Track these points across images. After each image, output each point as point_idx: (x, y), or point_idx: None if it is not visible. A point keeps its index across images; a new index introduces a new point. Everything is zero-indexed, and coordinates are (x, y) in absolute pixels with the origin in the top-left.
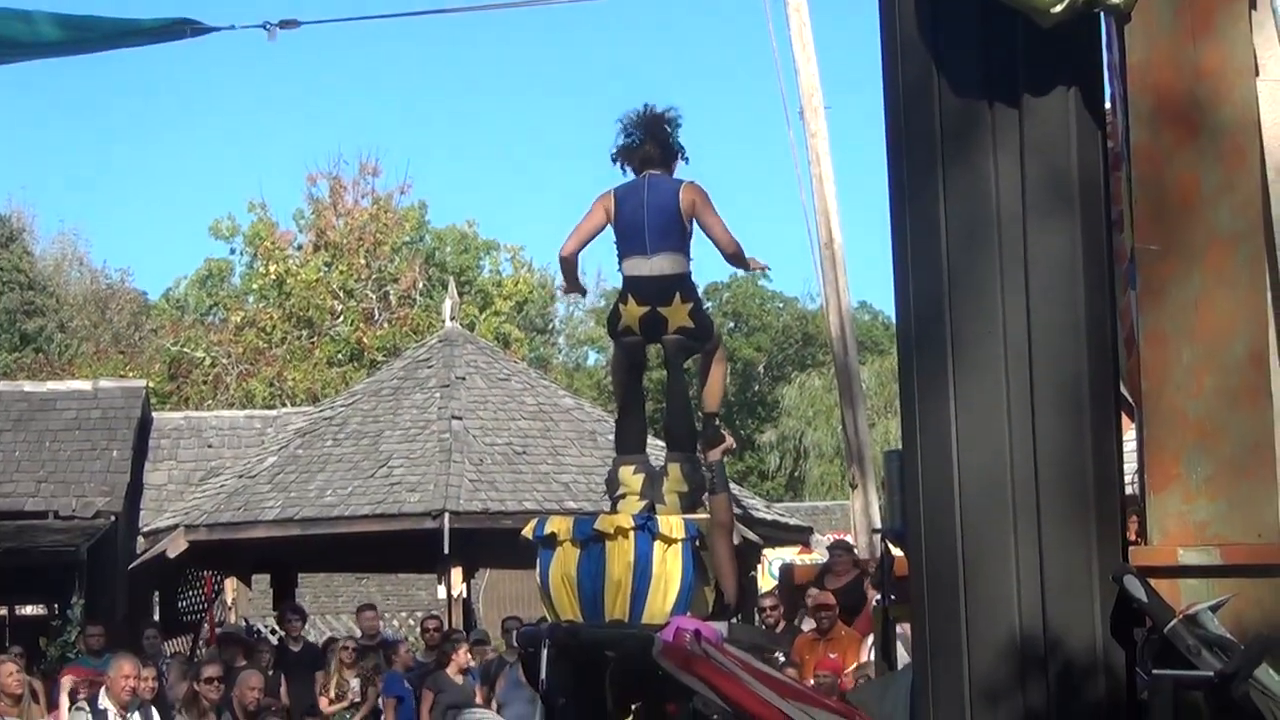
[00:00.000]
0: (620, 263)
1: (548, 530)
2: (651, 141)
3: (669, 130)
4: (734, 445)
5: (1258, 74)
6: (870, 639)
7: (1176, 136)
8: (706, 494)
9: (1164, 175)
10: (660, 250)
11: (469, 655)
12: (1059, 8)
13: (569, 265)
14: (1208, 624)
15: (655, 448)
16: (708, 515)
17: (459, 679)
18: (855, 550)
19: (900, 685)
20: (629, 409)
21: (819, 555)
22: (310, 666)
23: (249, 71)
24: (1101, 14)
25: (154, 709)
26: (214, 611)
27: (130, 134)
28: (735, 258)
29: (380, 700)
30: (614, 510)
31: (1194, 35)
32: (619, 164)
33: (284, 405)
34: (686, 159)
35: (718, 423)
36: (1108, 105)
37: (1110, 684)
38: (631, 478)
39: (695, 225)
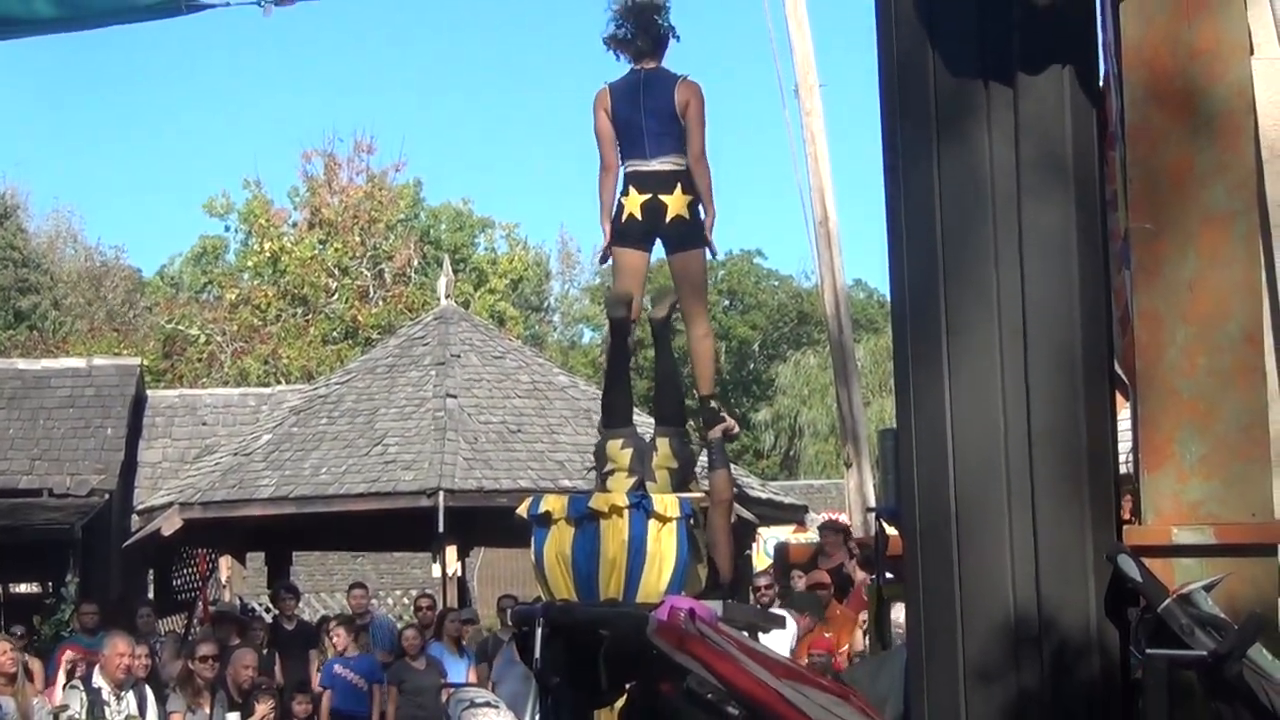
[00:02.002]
0: (623, 161)
1: (542, 508)
2: (643, 34)
3: (659, 19)
4: (735, 427)
5: (1252, 52)
6: (864, 618)
7: (1171, 115)
8: (706, 470)
9: (1158, 154)
10: (659, 154)
11: (418, 637)
12: None
13: (611, 182)
14: (1201, 603)
15: (644, 426)
16: (700, 493)
17: (419, 664)
18: (849, 528)
19: (894, 664)
20: (615, 383)
21: (814, 534)
22: (304, 645)
23: (244, 48)
24: None
25: (148, 687)
26: (208, 590)
27: (125, 110)
28: (697, 161)
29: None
30: (603, 487)
31: (1189, 13)
32: (611, 51)
33: (279, 383)
34: (678, 37)
35: (714, 404)
36: (1102, 84)
37: (1104, 663)
38: (619, 453)
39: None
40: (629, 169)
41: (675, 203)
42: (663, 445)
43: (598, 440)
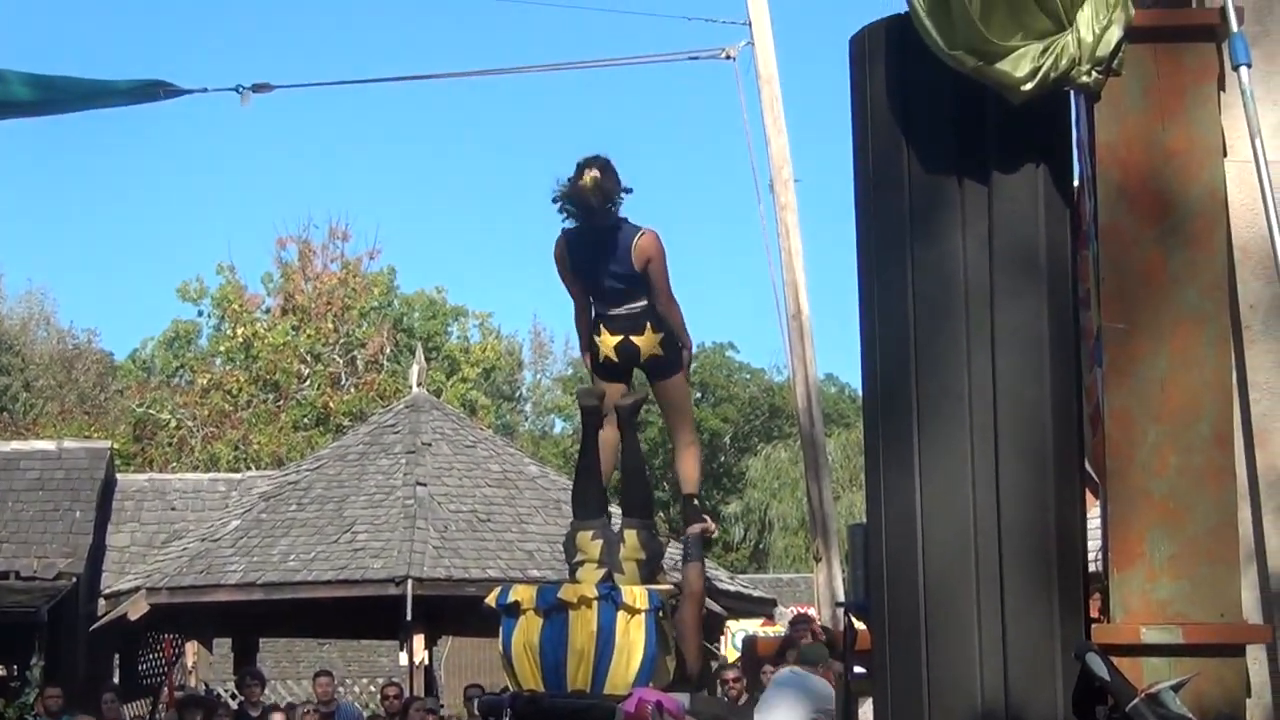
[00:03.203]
0: (591, 302)
1: (511, 598)
2: (587, 215)
3: (592, 201)
4: (714, 529)
5: (1225, 154)
6: None
7: (1144, 216)
8: (681, 561)
9: (1131, 254)
10: (624, 303)
11: None
12: (1030, 85)
13: (585, 317)
14: (1169, 703)
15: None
16: (669, 586)
17: None
18: (816, 623)
19: None
20: (586, 474)
21: (782, 627)
22: None
23: (220, 134)
24: (1072, 92)
25: None
26: (174, 675)
27: (100, 194)
28: (666, 310)
29: None
30: (572, 577)
31: (1163, 115)
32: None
33: (249, 469)
34: (629, 190)
35: (696, 503)
36: (1077, 183)
37: None
38: (590, 544)
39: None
40: (598, 310)
41: (647, 342)
42: (630, 537)
43: (568, 531)
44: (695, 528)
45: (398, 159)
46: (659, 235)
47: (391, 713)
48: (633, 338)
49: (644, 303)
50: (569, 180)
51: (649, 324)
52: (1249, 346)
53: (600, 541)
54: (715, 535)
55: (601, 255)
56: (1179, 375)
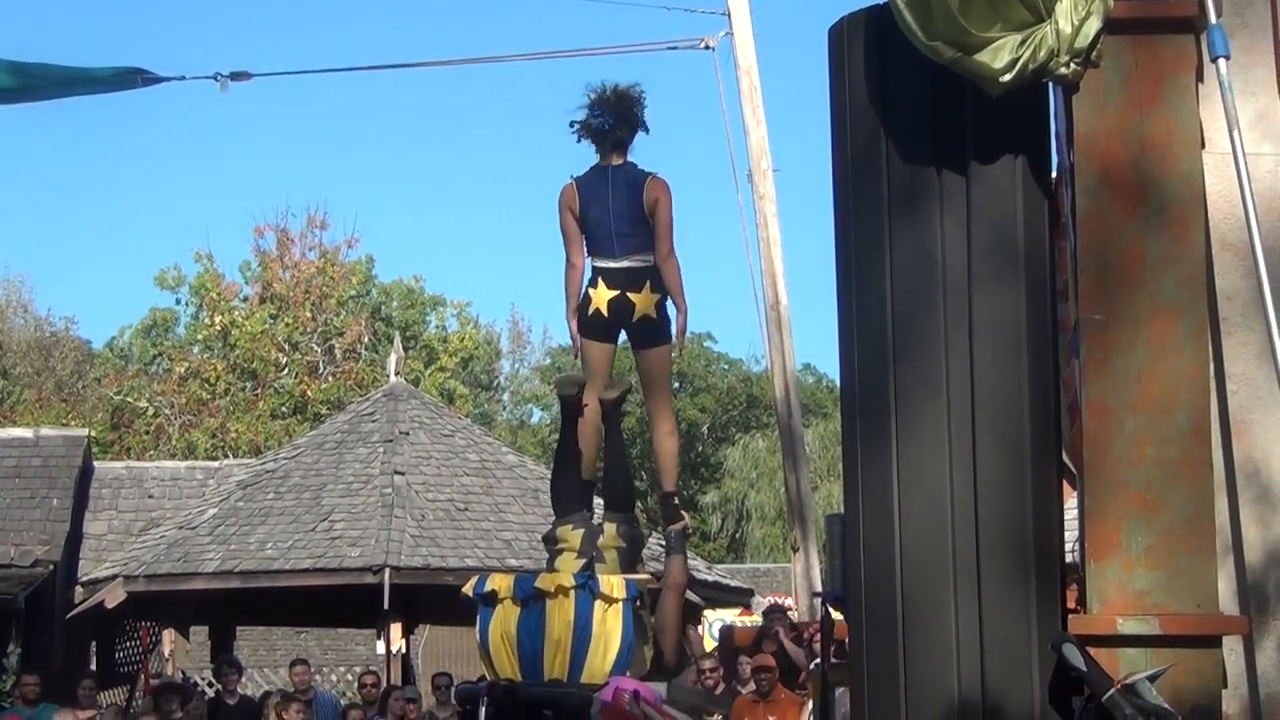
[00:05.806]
0: (589, 255)
1: (488, 587)
2: (622, 126)
3: (637, 113)
4: (689, 525)
5: (1204, 146)
6: (810, 703)
7: (1122, 207)
8: (665, 555)
9: (1109, 245)
10: (627, 253)
11: (362, 716)
12: (1008, 76)
13: (577, 278)
14: (1146, 694)
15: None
16: (647, 575)
17: None
18: (792, 612)
19: None
20: (565, 465)
21: (760, 617)
22: None
23: (198, 122)
24: (1050, 84)
25: None
26: (151, 663)
27: (78, 181)
28: (665, 261)
29: None
30: (552, 566)
31: (1142, 107)
32: (580, 138)
33: (226, 457)
34: (648, 130)
35: (675, 501)
36: (1054, 175)
37: None
38: (571, 534)
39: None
40: (596, 264)
41: (643, 301)
42: (610, 529)
43: (549, 528)
44: (676, 526)
45: (376, 148)
46: (668, 183)
47: (369, 701)
48: (629, 294)
49: (648, 260)
50: (606, 93)
51: (648, 283)
52: (1226, 337)
53: (582, 532)
54: (691, 531)
55: (610, 200)
56: (1156, 366)
